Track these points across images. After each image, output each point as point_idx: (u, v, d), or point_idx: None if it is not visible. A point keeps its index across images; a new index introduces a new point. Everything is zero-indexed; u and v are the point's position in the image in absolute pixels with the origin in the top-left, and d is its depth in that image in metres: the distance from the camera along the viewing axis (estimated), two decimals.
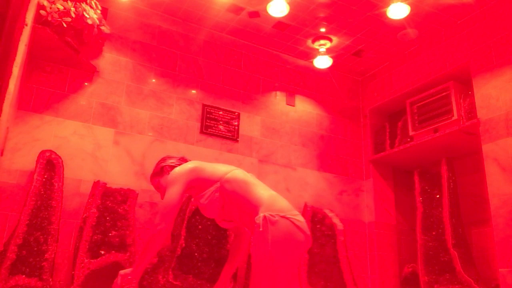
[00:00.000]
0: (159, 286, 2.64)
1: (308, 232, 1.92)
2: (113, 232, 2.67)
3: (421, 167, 3.60)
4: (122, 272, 1.98)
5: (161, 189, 2.24)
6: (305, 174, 3.68)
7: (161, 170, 2.26)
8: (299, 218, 1.91)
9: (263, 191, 2.01)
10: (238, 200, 2.00)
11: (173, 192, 1.98)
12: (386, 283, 3.62)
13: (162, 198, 2.26)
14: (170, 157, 2.33)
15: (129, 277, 1.94)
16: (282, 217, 1.84)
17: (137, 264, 1.97)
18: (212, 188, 2.03)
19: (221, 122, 3.44)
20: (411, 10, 3.16)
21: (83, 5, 2.81)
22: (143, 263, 1.96)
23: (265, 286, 1.78)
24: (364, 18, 3.38)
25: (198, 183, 2.06)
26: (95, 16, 2.86)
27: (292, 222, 1.85)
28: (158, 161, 2.33)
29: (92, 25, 2.84)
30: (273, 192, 2.04)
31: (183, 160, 2.31)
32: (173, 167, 2.22)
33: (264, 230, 1.79)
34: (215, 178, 2.05)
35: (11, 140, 2.68)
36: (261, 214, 1.85)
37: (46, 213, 2.54)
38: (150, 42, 3.35)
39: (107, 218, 2.68)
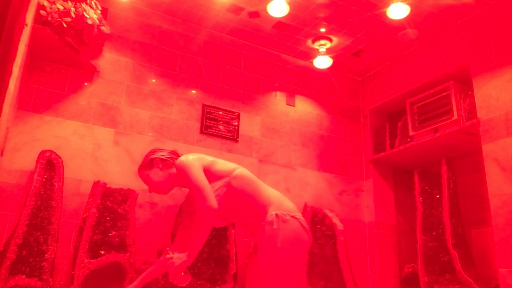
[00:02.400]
0: (159, 286, 2.64)
1: (310, 233, 1.97)
2: (113, 232, 2.67)
3: (421, 167, 3.60)
4: (176, 258, 1.89)
5: (150, 182, 2.18)
6: (305, 174, 3.67)
7: (150, 163, 2.19)
8: (304, 219, 1.97)
9: (270, 191, 2.03)
10: (245, 198, 1.99)
11: (197, 174, 1.93)
12: (386, 283, 3.62)
13: (150, 191, 2.22)
14: (160, 150, 2.25)
15: (182, 273, 1.89)
16: (292, 216, 1.89)
17: (192, 249, 1.90)
18: (220, 183, 1.99)
19: (221, 122, 3.44)
20: (411, 10, 3.16)
21: (83, 5, 2.81)
22: (198, 248, 1.90)
23: (275, 283, 1.80)
24: (364, 18, 3.38)
25: (206, 172, 2.01)
26: (95, 16, 2.86)
27: (300, 223, 1.90)
28: (148, 153, 2.25)
29: (92, 25, 2.84)
30: (278, 192, 2.06)
31: (174, 153, 2.24)
32: (164, 160, 2.17)
33: (278, 227, 1.82)
34: (224, 173, 2.02)
35: (11, 140, 2.68)
36: (273, 212, 1.87)
37: (46, 213, 2.54)
38: (150, 42, 3.35)
39: (107, 218, 2.68)
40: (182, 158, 2.06)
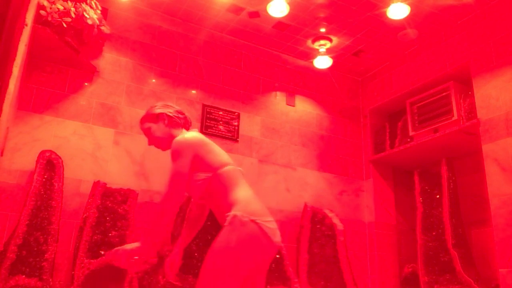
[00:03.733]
0: (159, 286, 2.64)
1: (277, 239, 1.85)
2: (113, 232, 2.67)
3: (421, 167, 3.60)
4: (128, 247, 1.81)
5: (151, 136, 2.16)
6: (305, 174, 3.67)
7: (156, 117, 2.15)
8: (270, 225, 1.85)
9: (241, 193, 1.95)
10: (218, 195, 1.96)
11: (181, 165, 1.91)
12: (386, 283, 3.61)
13: (149, 144, 2.19)
14: (167, 106, 2.19)
15: (135, 257, 1.79)
16: (252, 221, 1.80)
17: (146, 240, 1.82)
18: (204, 176, 1.97)
19: (221, 122, 3.44)
20: (411, 10, 3.16)
21: (83, 5, 2.81)
22: (154, 239, 1.84)
23: (213, 285, 1.74)
24: (364, 18, 3.38)
25: (196, 160, 1.98)
26: (95, 16, 2.86)
27: (260, 228, 1.80)
28: (154, 105, 2.20)
29: (92, 25, 2.84)
30: (251, 194, 1.97)
31: (181, 113, 2.20)
32: (170, 117, 2.14)
33: (232, 229, 1.77)
34: (212, 166, 1.98)
35: (11, 140, 2.68)
36: (232, 213, 1.82)
37: (46, 213, 2.54)
38: (150, 42, 3.35)
39: (107, 218, 2.68)
40: (179, 139, 2.00)
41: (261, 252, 1.82)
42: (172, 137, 2.12)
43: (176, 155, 1.95)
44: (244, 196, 1.93)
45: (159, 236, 1.87)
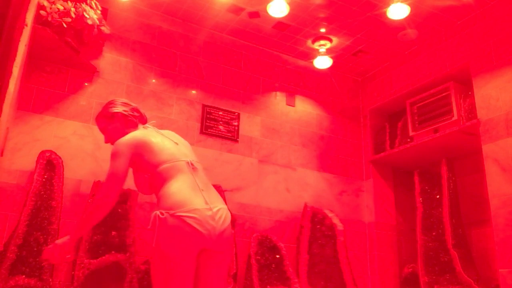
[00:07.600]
0: None
1: (208, 227, 1.81)
2: (113, 232, 2.67)
3: (421, 168, 3.59)
4: (59, 241, 1.85)
5: (107, 134, 2.15)
6: (305, 174, 3.67)
7: (111, 116, 2.14)
8: (193, 215, 1.80)
9: (171, 187, 1.90)
10: (155, 193, 1.97)
11: (117, 166, 1.91)
12: (386, 283, 3.61)
13: (105, 142, 2.18)
14: (123, 104, 2.19)
15: (68, 256, 1.86)
16: (171, 215, 1.78)
17: (75, 232, 1.87)
18: (144, 175, 2.00)
19: (221, 123, 3.44)
20: (411, 11, 3.16)
21: (83, 5, 2.81)
22: (81, 232, 1.92)
23: (154, 282, 1.80)
24: (364, 19, 3.38)
25: (137, 159, 1.98)
26: (95, 16, 2.86)
27: (181, 220, 1.78)
28: (110, 104, 2.19)
29: (92, 25, 2.84)
30: (177, 186, 1.91)
31: (136, 110, 2.19)
32: (125, 116, 2.13)
33: (153, 229, 1.78)
34: (153, 165, 1.97)
35: (11, 140, 2.68)
36: (153, 213, 1.81)
37: (46, 213, 2.54)
38: (150, 42, 3.35)
39: (107, 218, 2.67)
40: (118, 141, 2.00)
41: (188, 242, 1.78)
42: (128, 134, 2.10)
43: (113, 156, 1.94)
44: (168, 190, 1.89)
45: (87, 230, 1.93)
